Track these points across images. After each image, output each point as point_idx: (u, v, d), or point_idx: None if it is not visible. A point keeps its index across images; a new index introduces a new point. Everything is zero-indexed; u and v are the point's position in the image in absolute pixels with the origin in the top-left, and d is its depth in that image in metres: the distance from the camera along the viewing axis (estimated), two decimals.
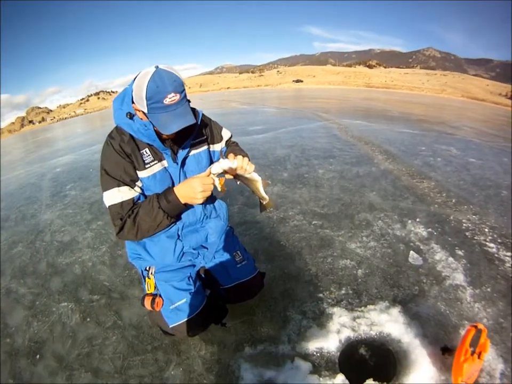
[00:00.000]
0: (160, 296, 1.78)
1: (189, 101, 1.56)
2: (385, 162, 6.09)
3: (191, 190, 1.49)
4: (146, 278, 1.85)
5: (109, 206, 1.55)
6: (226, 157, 1.58)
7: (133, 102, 1.49)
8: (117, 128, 1.60)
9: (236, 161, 1.54)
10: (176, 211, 1.60)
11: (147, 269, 1.85)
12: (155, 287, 1.81)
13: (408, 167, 5.81)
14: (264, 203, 1.79)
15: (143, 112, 1.44)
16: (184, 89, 1.44)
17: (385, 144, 7.82)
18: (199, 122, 1.70)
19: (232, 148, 1.99)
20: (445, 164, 6.35)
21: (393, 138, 8.69)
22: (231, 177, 1.61)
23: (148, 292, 1.83)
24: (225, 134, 2.02)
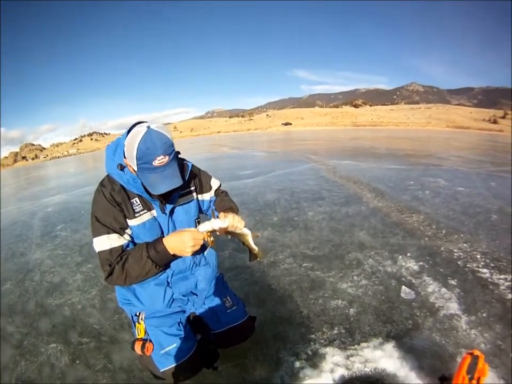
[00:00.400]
0: (150, 341, 1.82)
1: (178, 153, 1.66)
2: (374, 200, 6.24)
3: (181, 244, 1.53)
4: (137, 323, 1.89)
5: (98, 252, 1.59)
6: (218, 215, 1.70)
7: (124, 157, 1.55)
8: (108, 176, 1.66)
9: (226, 221, 1.61)
10: (165, 261, 1.65)
11: (137, 314, 1.89)
12: (145, 332, 1.85)
13: (397, 203, 5.96)
14: (254, 253, 1.86)
15: (133, 168, 1.51)
16: (173, 150, 1.51)
17: (373, 182, 8.02)
18: (187, 175, 1.75)
19: (221, 198, 2.05)
20: (433, 196, 6.53)
21: (381, 176, 8.92)
22: (222, 233, 1.69)
23: (138, 337, 1.87)
24: (214, 183, 2.08)
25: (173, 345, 1.82)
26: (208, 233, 1.60)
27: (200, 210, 2.01)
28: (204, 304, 2.03)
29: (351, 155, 15.06)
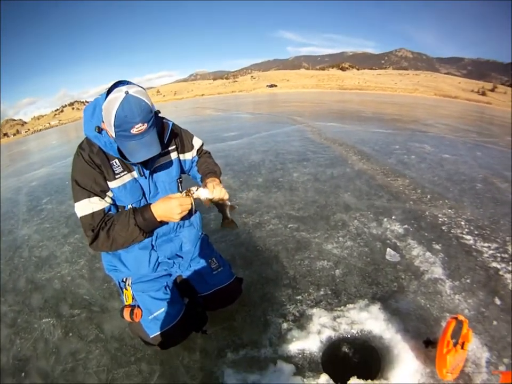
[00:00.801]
0: (138, 307, 1.81)
1: (158, 112, 1.63)
2: (359, 163, 6.23)
3: (169, 211, 1.53)
4: (124, 290, 1.86)
5: (80, 217, 1.57)
6: (204, 184, 1.69)
7: (102, 121, 1.51)
8: (87, 139, 1.64)
9: (215, 193, 1.62)
10: (152, 228, 1.64)
11: (124, 280, 1.87)
12: (133, 298, 1.84)
13: (382, 166, 5.97)
14: (227, 221, 1.84)
15: (111, 134, 1.48)
16: (152, 117, 1.47)
17: (359, 144, 8.00)
18: (167, 135, 1.74)
19: (204, 159, 2.04)
20: (419, 161, 6.55)
21: (367, 139, 8.90)
22: (206, 202, 1.67)
23: (126, 304, 1.85)
24: (196, 142, 2.05)
25: (161, 310, 1.82)
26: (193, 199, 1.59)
27: (182, 170, 1.97)
28: (190, 266, 2.01)
29: (336, 118, 15.03)
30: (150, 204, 1.60)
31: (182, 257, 1.98)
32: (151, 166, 1.71)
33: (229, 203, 1.75)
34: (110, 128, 1.43)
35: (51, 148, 20.12)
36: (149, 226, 1.59)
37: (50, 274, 3.43)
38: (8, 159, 20.69)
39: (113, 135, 1.44)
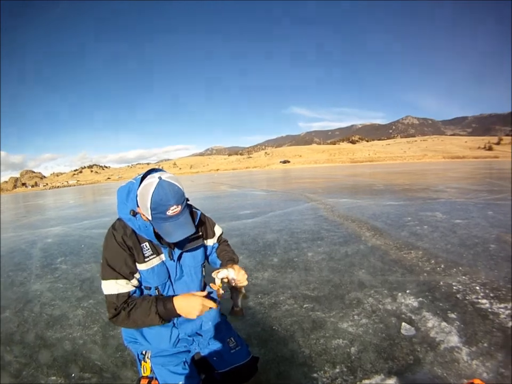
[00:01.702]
0: (156, 379, 1.86)
1: (187, 200, 1.74)
2: (373, 239, 6.39)
3: (189, 308, 1.62)
4: (142, 362, 1.93)
5: (105, 294, 1.67)
6: (227, 266, 1.82)
7: (137, 205, 1.62)
8: (120, 220, 1.75)
9: (240, 275, 1.76)
10: (171, 318, 1.72)
11: (143, 353, 1.97)
12: (151, 371, 1.90)
13: (396, 240, 6.13)
14: (236, 309, 1.94)
15: (146, 217, 1.60)
16: (184, 199, 1.62)
17: (371, 219, 8.23)
18: (196, 222, 1.83)
19: (224, 247, 2.18)
20: (431, 230, 6.71)
21: (379, 213, 9.14)
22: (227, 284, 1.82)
23: (143, 375, 1.91)
24: (217, 230, 2.19)
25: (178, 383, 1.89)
26: (220, 284, 1.75)
27: (206, 256, 2.14)
28: (209, 344, 2.10)
29: (349, 193, 15.40)
30: (174, 296, 1.68)
31: (201, 335, 2.08)
32: (180, 249, 1.84)
33: (244, 291, 1.87)
34: (146, 211, 1.55)
35: (68, 207, 20.63)
36: (168, 316, 1.67)
37: (62, 335, 3.51)
38: (25, 210, 21.13)
39: (150, 217, 1.56)
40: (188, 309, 1.63)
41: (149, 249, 1.76)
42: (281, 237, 7.11)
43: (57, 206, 23.69)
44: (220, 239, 2.24)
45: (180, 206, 1.58)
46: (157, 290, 1.81)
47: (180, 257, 1.88)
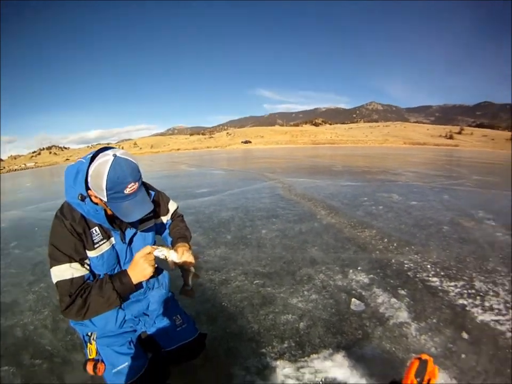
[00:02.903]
0: (102, 361, 1.85)
1: (142, 183, 1.69)
2: (328, 217, 6.47)
3: (141, 268, 1.61)
4: (88, 344, 1.90)
5: (57, 282, 1.56)
6: (175, 248, 1.78)
7: (88, 187, 1.55)
8: (68, 204, 1.65)
9: (183, 258, 1.73)
10: (128, 292, 1.69)
11: (88, 334, 1.91)
12: (97, 353, 1.88)
13: (350, 219, 6.23)
14: (186, 289, 1.92)
15: (100, 199, 1.53)
16: (140, 175, 1.57)
17: (328, 199, 8.32)
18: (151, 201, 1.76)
19: (177, 223, 2.16)
20: (386, 210, 6.88)
21: (337, 193, 9.27)
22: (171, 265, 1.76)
23: (89, 357, 1.88)
24: (172, 206, 2.17)
25: (124, 364, 1.84)
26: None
27: (158, 234, 2.11)
28: (155, 323, 2.08)
29: (308, 173, 15.53)
30: (126, 269, 1.66)
31: (148, 315, 2.04)
32: (130, 232, 1.80)
33: (193, 270, 1.83)
34: (100, 192, 1.47)
35: (24, 190, 20.10)
36: (126, 290, 1.64)
37: (13, 322, 3.40)
38: None
39: (105, 199, 1.49)
40: (139, 272, 1.62)
41: (98, 234, 1.69)
42: (236, 214, 7.10)
43: (14, 189, 22.83)
44: (174, 215, 2.21)
45: (137, 183, 1.53)
46: (107, 274, 1.73)
47: (130, 241, 1.83)
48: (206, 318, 3.11)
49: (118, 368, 1.83)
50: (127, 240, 1.79)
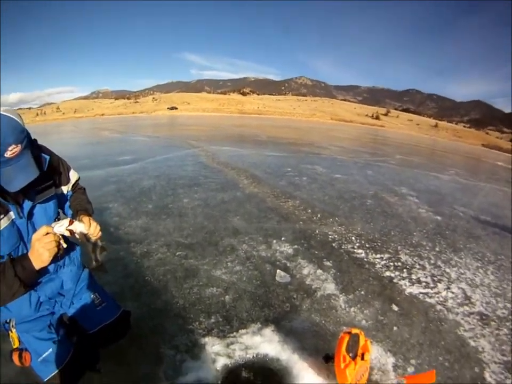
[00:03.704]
0: (26, 350, 1.72)
1: (35, 141, 1.57)
2: (251, 186, 6.42)
3: (36, 254, 1.41)
4: (9, 332, 1.74)
5: None
6: (80, 218, 1.60)
7: None
8: None
9: (91, 229, 1.57)
10: (32, 277, 1.50)
11: (7, 321, 1.73)
12: (19, 341, 1.73)
13: (273, 189, 6.21)
14: (95, 264, 1.74)
15: None
16: (25, 137, 1.39)
17: (251, 168, 8.27)
18: (45, 168, 1.62)
19: (78, 195, 1.98)
20: (310, 182, 6.97)
21: (260, 162, 9.27)
22: (74, 236, 1.59)
23: (14, 347, 1.74)
24: (73, 176, 1.97)
25: (48, 351, 1.73)
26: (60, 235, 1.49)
27: (59, 205, 1.86)
28: (73, 303, 1.91)
29: (232, 142, 15.53)
30: (27, 253, 1.47)
31: (63, 296, 1.88)
32: (28, 204, 1.59)
33: (100, 244, 1.68)
34: None
35: None
36: (29, 275, 1.46)
37: None
38: None
39: None
40: (37, 255, 1.42)
41: None
42: (158, 183, 6.84)
43: None
44: (75, 186, 2.02)
45: (19, 146, 1.34)
46: (9, 258, 1.51)
47: (30, 215, 1.62)
48: (129, 294, 2.93)
49: (43, 356, 1.71)
50: (25, 214, 1.58)
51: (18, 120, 1.36)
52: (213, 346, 2.28)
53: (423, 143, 30.35)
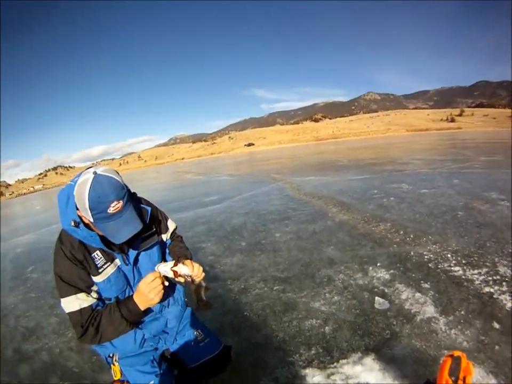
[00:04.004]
0: (128, 382, 1.82)
1: (134, 194, 1.69)
2: (340, 214, 6.41)
3: (143, 297, 1.54)
4: (112, 365, 1.87)
5: (68, 313, 1.54)
6: (181, 262, 1.67)
7: (77, 208, 1.47)
8: (65, 231, 1.59)
9: (195, 270, 1.64)
10: (138, 318, 1.65)
11: (110, 355, 1.86)
12: (121, 374, 1.84)
13: (363, 214, 6.16)
14: (201, 304, 1.81)
15: (89, 220, 1.45)
16: (125, 193, 1.48)
17: (338, 195, 8.26)
18: (147, 220, 1.73)
19: (177, 243, 2.07)
20: (398, 202, 6.80)
21: (345, 188, 9.20)
22: (178, 280, 1.68)
23: (115, 379, 1.85)
24: (171, 225, 2.07)
25: (150, 383, 1.81)
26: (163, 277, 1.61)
27: (162, 252, 1.99)
28: (176, 340, 2.02)
29: (314, 170, 15.53)
30: (133, 294, 1.61)
31: (167, 333, 1.99)
32: (133, 252, 1.71)
33: (204, 284, 1.75)
34: (86, 213, 1.40)
35: (36, 214, 20.39)
36: (134, 316, 1.60)
37: (38, 346, 3.44)
38: None
39: (91, 219, 1.41)
40: (144, 299, 1.55)
41: (101, 257, 1.61)
42: (248, 220, 7.06)
43: (25, 214, 23.30)
44: (173, 234, 2.12)
45: (121, 201, 1.43)
46: (117, 300, 1.67)
47: (136, 261, 1.74)
48: (229, 330, 3.06)
49: None
50: (131, 262, 1.72)
51: (117, 178, 1.45)
52: (314, 377, 2.32)
53: (504, 137, 27.93)
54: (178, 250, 1.99)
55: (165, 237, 2.03)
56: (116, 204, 1.41)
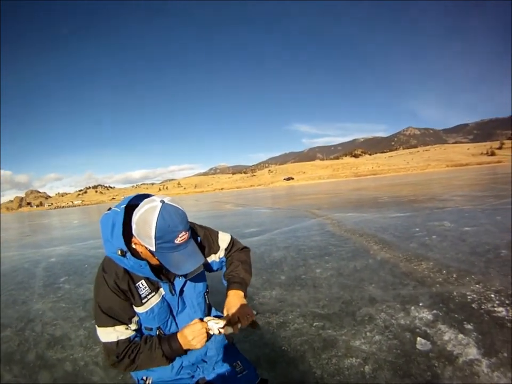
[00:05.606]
0: None
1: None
2: (381, 252, 6.29)
3: (186, 341, 1.51)
4: None
5: (103, 342, 1.53)
6: (227, 294, 1.70)
7: (132, 235, 1.46)
8: (109, 259, 1.55)
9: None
10: (178, 356, 1.62)
11: (143, 378, 1.82)
12: None
13: (405, 252, 6.02)
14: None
15: (146, 248, 1.42)
16: (189, 225, 1.46)
17: (379, 233, 8.13)
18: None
19: (232, 261, 1.97)
20: (440, 240, 6.61)
21: (387, 225, 9.04)
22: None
23: None
24: (223, 242, 1.96)
25: None
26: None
27: (208, 269, 1.96)
28: (214, 369, 1.96)
29: (354, 207, 15.35)
30: (177, 332, 1.57)
31: (206, 362, 1.94)
32: (180, 282, 1.67)
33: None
34: (148, 241, 1.36)
35: (72, 227, 20.96)
36: (175, 355, 1.57)
37: (63, 355, 3.43)
38: (29, 229, 21.32)
39: (153, 248, 1.37)
40: (187, 343, 1.52)
41: (146, 287, 1.58)
42: (288, 254, 7.02)
43: (62, 225, 24.19)
44: (228, 250, 2.00)
45: (187, 233, 1.42)
46: (158, 330, 1.66)
47: (181, 291, 1.71)
48: (266, 364, 3.00)
49: None
50: (177, 291, 1.68)
51: (182, 209, 1.41)
52: None
53: None
54: (233, 274, 1.89)
55: (217, 256, 1.94)
56: (184, 235, 1.38)
